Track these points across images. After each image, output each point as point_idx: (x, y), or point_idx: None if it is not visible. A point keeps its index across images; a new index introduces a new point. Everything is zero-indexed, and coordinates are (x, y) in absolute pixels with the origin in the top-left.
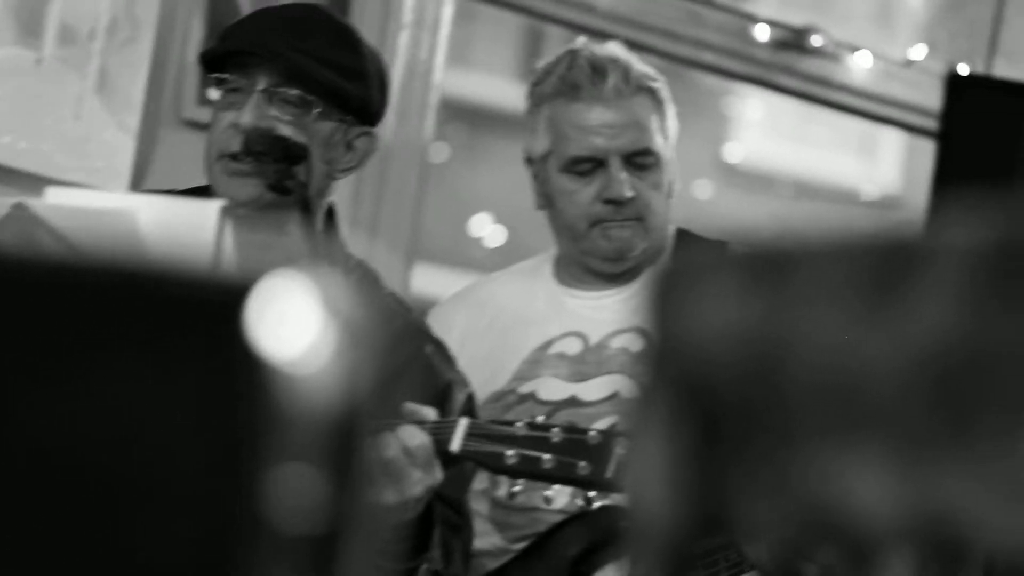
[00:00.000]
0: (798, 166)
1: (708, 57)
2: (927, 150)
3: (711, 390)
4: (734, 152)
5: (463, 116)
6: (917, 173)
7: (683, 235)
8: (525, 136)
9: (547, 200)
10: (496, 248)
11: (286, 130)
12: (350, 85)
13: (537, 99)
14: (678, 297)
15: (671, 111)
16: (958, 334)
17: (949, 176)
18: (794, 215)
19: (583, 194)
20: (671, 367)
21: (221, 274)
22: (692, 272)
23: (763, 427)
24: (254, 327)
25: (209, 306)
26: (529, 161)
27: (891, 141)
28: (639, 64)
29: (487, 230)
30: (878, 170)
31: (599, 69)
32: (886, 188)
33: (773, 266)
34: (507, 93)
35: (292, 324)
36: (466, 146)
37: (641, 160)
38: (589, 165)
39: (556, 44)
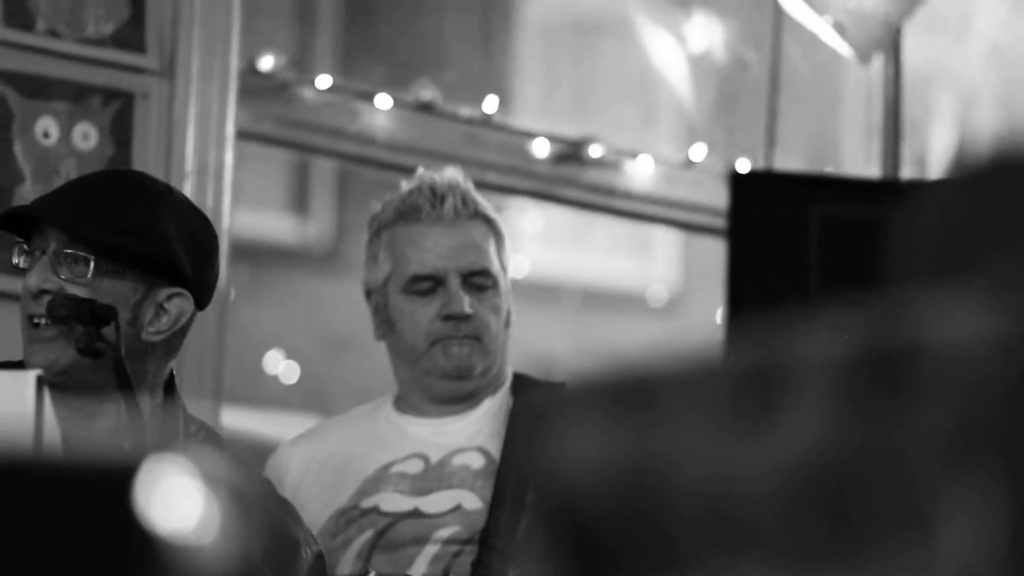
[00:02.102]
0: (581, 274)
1: (491, 177)
2: (704, 247)
3: (588, 524)
4: (518, 266)
5: (242, 255)
6: (696, 270)
7: (519, 377)
8: (366, 268)
9: (387, 327)
10: (292, 385)
11: (79, 291)
12: (136, 243)
13: (377, 227)
14: (545, 435)
15: (508, 244)
16: (829, 446)
17: (741, 272)
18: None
19: (423, 313)
20: (546, 505)
21: (109, 458)
22: (556, 407)
23: (644, 556)
24: (144, 507)
25: (100, 490)
26: (368, 293)
27: (669, 241)
28: (477, 194)
29: (280, 367)
30: (658, 270)
31: (438, 193)
32: (667, 287)
33: (636, 394)
34: (282, 228)
35: (180, 501)
36: (248, 284)
37: (479, 281)
38: (429, 284)
39: (328, 177)
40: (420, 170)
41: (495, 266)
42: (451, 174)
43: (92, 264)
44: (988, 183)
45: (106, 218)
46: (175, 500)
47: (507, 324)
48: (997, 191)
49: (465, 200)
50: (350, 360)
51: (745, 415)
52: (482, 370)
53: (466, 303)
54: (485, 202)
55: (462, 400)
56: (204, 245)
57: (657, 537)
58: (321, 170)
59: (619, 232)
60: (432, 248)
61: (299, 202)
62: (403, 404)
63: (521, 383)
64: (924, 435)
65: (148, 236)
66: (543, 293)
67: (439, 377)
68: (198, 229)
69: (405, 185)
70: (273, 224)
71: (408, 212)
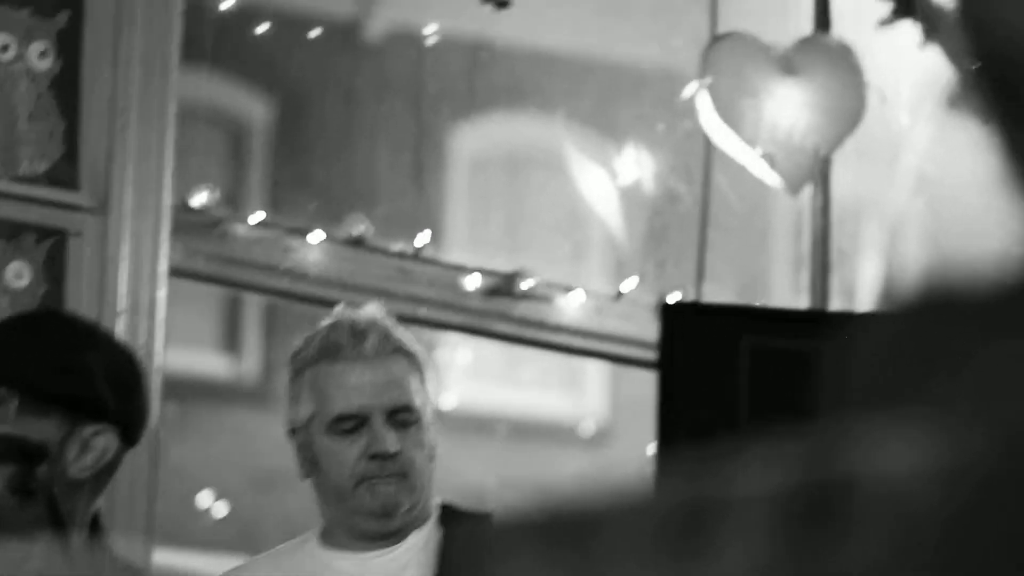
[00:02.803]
0: (509, 407)
1: (422, 311)
2: (635, 379)
3: None
4: (447, 400)
5: (173, 392)
6: (626, 403)
7: (447, 508)
8: (288, 407)
9: (312, 466)
10: (222, 522)
11: (2, 429)
12: (59, 381)
13: (299, 365)
14: (475, 573)
15: (430, 378)
16: None
17: (672, 403)
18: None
19: (348, 453)
20: None
21: None
22: (486, 544)
23: None
24: None
25: None
26: (292, 432)
27: (599, 373)
28: (398, 329)
29: (211, 505)
30: (588, 403)
31: (359, 331)
32: (597, 420)
33: (568, 531)
34: (212, 365)
35: None
36: (177, 422)
37: (403, 417)
38: (353, 423)
39: (257, 312)
40: (340, 307)
41: (418, 401)
42: (371, 311)
43: (16, 402)
44: (918, 315)
45: (28, 356)
46: None
47: (431, 458)
48: (927, 323)
49: (386, 336)
50: (278, 496)
51: (680, 552)
52: (409, 507)
53: (391, 441)
54: (406, 336)
55: (389, 537)
56: (129, 381)
57: None
58: (251, 306)
59: (549, 365)
60: (355, 386)
61: (230, 339)
62: (329, 539)
63: (448, 514)
64: (859, 569)
65: (71, 373)
66: (473, 425)
67: (366, 516)
68: (123, 364)
69: (325, 322)
70: (204, 361)
71: (330, 350)
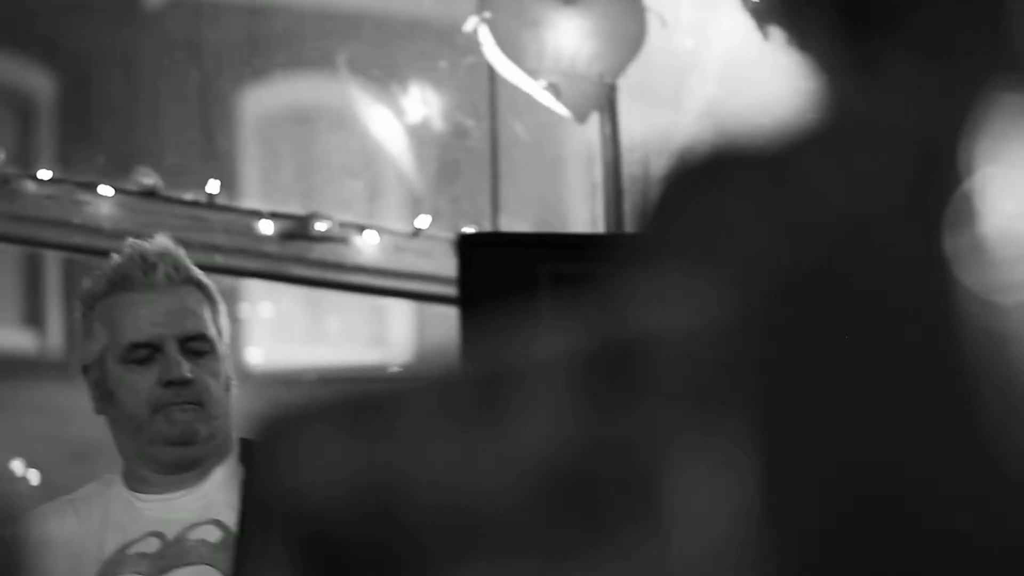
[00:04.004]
0: (315, 360)
1: (219, 259)
2: (437, 323)
3: (333, 541)
4: (253, 355)
5: None
6: (430, 339)
7: (246, 443)
8: (79, 345)
9: (107, 401)
10: (35, 489)
11: None
12: None
13: (90, 300)
14: (279, 455)
15: (222, 309)
16: (564, 440)
17: (475, 335)
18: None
19: (143, 381)
20: (289, 527)
21: None
22: (287, 426)
23: (392, 564)
24: None
25: None
26: (85, 369)
27: (400, 317)
28: (188, 260)
29: (23, 473)
30: (392, 350)
31: (149, 261)
32: (403, 361)
33: (370, 409)
34: (15, 340)
35: None
36: None
37: (197, 346)
38: (146, 351)
39: (56, 282)
40: (130, 240)
41: (211, 331)
42: (161, 241)
43: None
44: (694, 176)
45: None
46: None
47: (227, 388)
48: (702, 181)
49: (177, 266)
50: (90, 467)
51: (480, 417)
52: (207, 435)
53: (185, 368)
54: (197, 269)
55: (189, 467)
56: None
57: (402, 544)
58: (51, 278)
59: (354, 316)
60: (147, 316)
61: (31, 314)
62: (132, 480)
63: (249, 450)
64: (652, 423)
65: None
66: (277, 381)
67: (163, 444)
68: None
69: (116, 257)
70: (7, 337)
71: (120, 282)
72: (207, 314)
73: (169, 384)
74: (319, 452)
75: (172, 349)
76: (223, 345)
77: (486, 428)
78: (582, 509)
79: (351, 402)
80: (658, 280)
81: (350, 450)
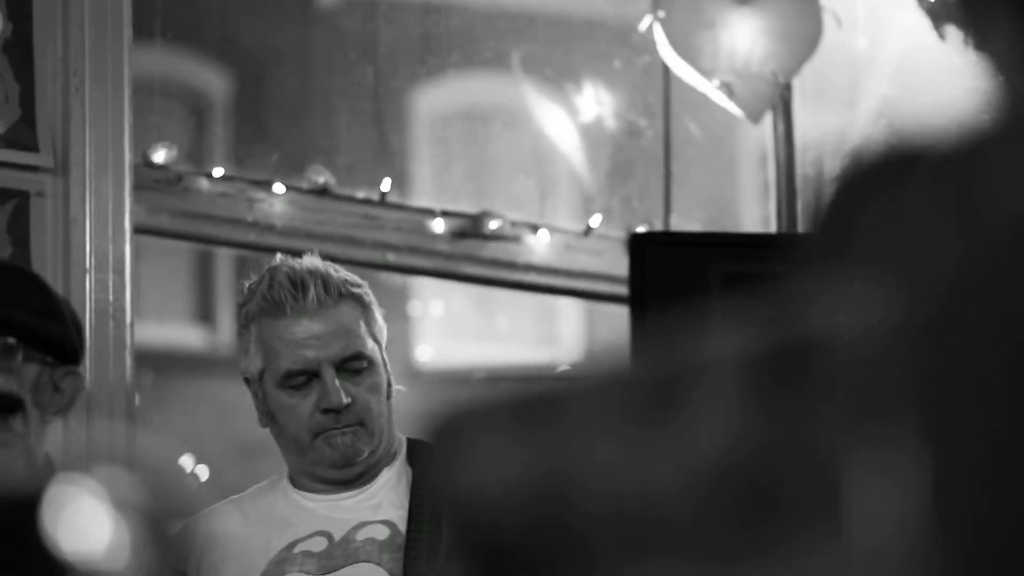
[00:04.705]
0: (485, 358)
1: (390, 257)
2: (607, 322)
3: (505, 544)
4: (423, 353)
5: (146, 362)
6: (600, 338)
7: (414, 444)
8: (240, 357)
9: (269, 417)
10: (204, 483)
11: (3, 379)
12: (50, 325)
13: (245, 320)
14: (448, 459)
15: (378, 313)
16: (738, 442)
17: (646, 334)
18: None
19: (302, 407)
20: (461, 530)
21: (16, 485)
22: (457, 430)
23: (562, 568)
24: (52, 533)
25: (6, 516)
26: (247, 381)
27: (570, 315)
28: (338, 272)
29: (192, 470)
30: (562, 349)
31: (299, 283)
32: (572, 360)
33: (541, 409)
34: (186, 336)
35: (89, 525)
36: (153, 391)
37: (354, 365)
38: (303, 378)
39: (228, 279)
40: (277, 258)
41: (368, 346)
42: (310, 260)
43: (14, 349)
44: (873, 176)
45: (18, 302)
46: (84, 524)
47: (389, 396)
48: (881, 181)
49: (327, 285)
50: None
51: (652, 419)
52: (369, 452)
53: (342, 394)
54: (349, 277)
55: (353, 482)
56: (80, 323)
57: (573, 548)
58: (223, 274)
59: (523, 314)
60: (301, 341)
61: (203, 310)
62: (299, 481)
63: (417, 451)
64: (827, 425)
65: (55, 318)
66: (448, 378)
67: (327, 466)
68: (73, 309)
69: (264, 272)
70: (179, 333)
71: (271, 307)
72: (362, 328)
73: (327, 411)
74: (489, 456)
75: (329, 374)
76: (382, 351)
77: (656, 430)
78: (752, 512)
79: (520, 405)
80: (831, 281)
81: (519, 453)
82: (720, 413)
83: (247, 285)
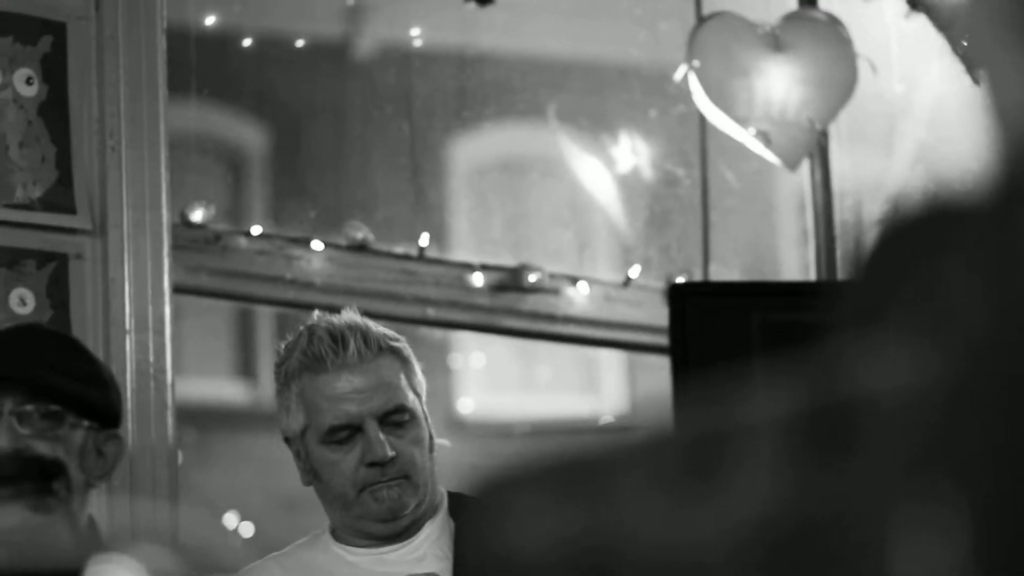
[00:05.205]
0: (527, 410)
1: (430, 312)
2: (649, 371)
3: None
4: (465, 405)
5: (188, 419)
6: (643, 388)
7: (455, 497)
8: (280, 417)
9: (312, 475)
10: (248, 541)
11: (42, 447)
12: (93, 391)
13: (284, 378)
14: (493, 521)
15: (417, 368)
16: (779, 506)
17: (687, 383)
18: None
19: (346, 462)
20: None
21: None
22: (501, 491)
23: None
24: None
25: None
26: (288, 441)
27: (614, 367)
28: (377, 327)
29: (236, 526)
30: (604, 399)
31: (339, 337)
32: (615, 416)
33: (583, 474)
34: (228, 391)
35: None
36: (196, 448)
37: (397, 418)
38: (346, 432)
39: (268, 332)
40: (315, 315)
41: (410, 399)
42: (348, 315)
43: (62, 416)
44: (911, 233)
45: (62, 370)
46: None
47: (431, 449)
48: (919, 240)
49: (367, 339)
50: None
51: (694, 482)
52: (415, 505)
53: (387, 447)
54: (387, 332)
55: (399, 535)
56: (119, 389)
57: None
58: (263, 328)
59: (564, 364)
60: (343, 396)
61: (244, 365)
62: (342, 536)
63: (458, 504)
64: (869, 487)
65: (99, 383)
66: (490, 431)
67: (372, 521)
68: (111, 372)
69: (302, 329)
70: (220, 388)
71: (312, 363)
72: (403, 381)
73: (373, 464)
74: (533, 515)
75: (372, 428)
76: (422, 404)
77: (699, 490)
78: (796, 573)
79: (563, 464)
80: (873, 338)
81: (565, 514)
82: (761, 473)
83: (283, 345)
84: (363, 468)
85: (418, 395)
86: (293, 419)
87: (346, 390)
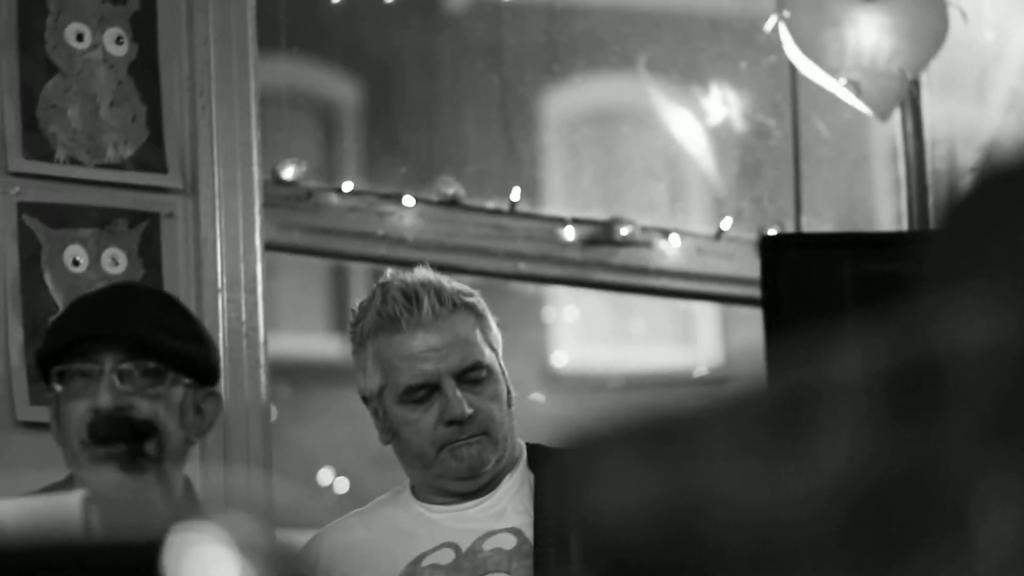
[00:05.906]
0: (621, 363)
1: (522, 267)
2: (743, 322)
3: (635, 560)
4: (559, 359)
5: (282, 374)
6: (736, 343)
7: (534, 449)
8: (357, 376)
9: (391, 434)
10: (343, 496)
11: (142, 405)
12: (193, 349)
13: (360, 338)
14: (579, 479)
15: (492, 322)
16: (864, 461)
17: (780, 336)
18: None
19: (424, 421)
20: (590, 553)
21: (142, 530)
22: (589, 451)
23: None
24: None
25: (133, 561)
26: (366, 400)
27: (706, 318)
28: (451, 283)
29: (331, 482)
30: (698, 351)
31: (412, 296)
32: (709, 367)
33: (666, 434)
34: (322, 347)
35: (212, 570)
36: (291, 404)
37: (474, 375)
38: (424, 391)
39: (361, 287)
40: (388, 272)
41: (486, 355)
42: (421, 272)
43: (163, 374)
44: (1003, 184)
45: (164, 327)
46: (208, 567)
47: (510, 404)
48: (1011, 191)
49: (440, 296)
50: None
51: (780, 441)
52: (495, 461)
53: (465, 405)
54: (461, 287)
55: (480, 493)
56: (216, 347)
57: (704, 566)
58: (356, 283)
59: (657, 317)
60: (419, 355)
61: (338, 321)
62: (422, 493)
63: (537, 456)
64: (956, 442)
65: (199, 341)
66: (584, 385)
67: (452, 479)
68: (208, 331)
69: (376, 290)
70: (315, 342)
71: (387, 322)
72: (478, 336)
73: (452, 423)
74: (621, 475)
75: (450, 386)
76: (499, 359)
77: (788, 449)
78: (883, 531)
79: (653, 425)
80: (962, 296)
81: (651, 474)
82: (849, 430)
83: (358, 304)
84: (442, 427)
85: (494, 350)
86: (370, 379)
87: (422, 349)
